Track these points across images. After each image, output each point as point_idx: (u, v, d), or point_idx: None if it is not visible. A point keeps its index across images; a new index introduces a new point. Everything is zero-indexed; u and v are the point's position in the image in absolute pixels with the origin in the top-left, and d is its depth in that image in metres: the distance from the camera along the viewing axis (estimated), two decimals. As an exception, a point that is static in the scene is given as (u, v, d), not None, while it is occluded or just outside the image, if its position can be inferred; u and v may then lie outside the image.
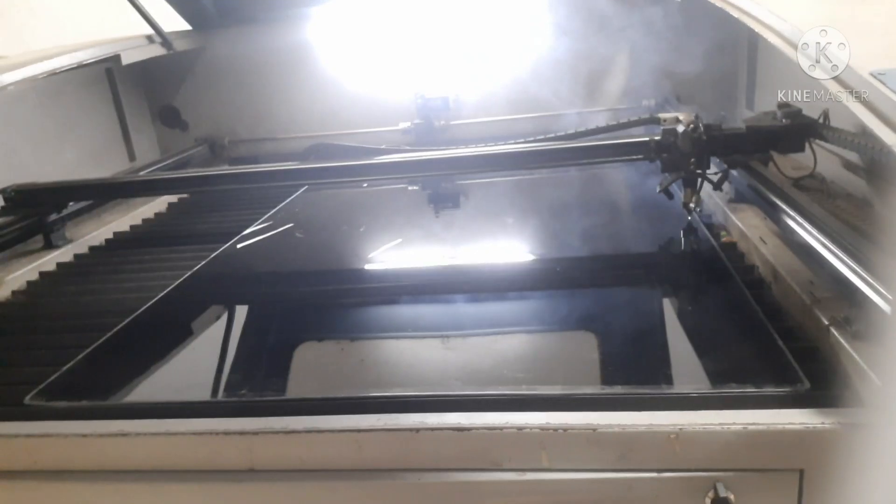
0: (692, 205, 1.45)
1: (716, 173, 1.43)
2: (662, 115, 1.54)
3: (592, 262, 1.53)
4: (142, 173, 2.22)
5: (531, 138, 1.64)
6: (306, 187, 2.18)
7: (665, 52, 2.14)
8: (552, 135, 1.60)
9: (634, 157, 1.47)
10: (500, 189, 2.04)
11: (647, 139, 1.43)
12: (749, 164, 1.46)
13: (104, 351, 1.25)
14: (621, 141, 1.51)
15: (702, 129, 1.36)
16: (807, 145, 1.32)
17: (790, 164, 1.47)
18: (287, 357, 1.28)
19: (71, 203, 1.86)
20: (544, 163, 1.56)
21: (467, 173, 1.67)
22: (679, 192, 1.48)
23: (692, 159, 1.38)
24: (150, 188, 1.98)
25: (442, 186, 2.07)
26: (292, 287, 1.66)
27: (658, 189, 1.45)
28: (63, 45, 2.04)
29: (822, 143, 1.29)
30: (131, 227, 2.04)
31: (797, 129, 1.29)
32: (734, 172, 1.49)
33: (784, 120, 1.31)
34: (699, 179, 1.42)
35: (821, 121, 1.24)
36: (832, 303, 1.02)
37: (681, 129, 1.38)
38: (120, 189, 1.96)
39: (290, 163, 1.84)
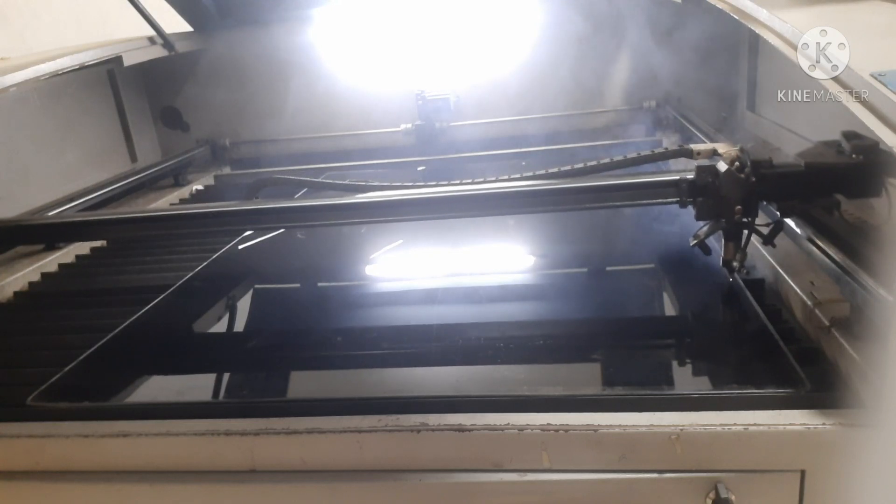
0: (735, 263, 1.14)
1: (768, 224, 1.13)
2: (695, 147, 1.25)
3: (593, 262, 1.53)
4: (103, 191, 2.08)
5: (530, 173, 1.34)
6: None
7: (666, 53, 2.15)
8: (555, 169, 1.32)
9: (660, 200, 1.17)
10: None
11: (676, 178, 1.14)
12: (809, 213, 1.13)
13: (106, 352, 1.25)
14: (643, 179, 1.20)
15: (749, 167, 1.07)
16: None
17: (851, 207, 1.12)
18: (288, 358, 1.28)
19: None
20: (546, 206, 1.27)
21: (456, 216, 1.34)
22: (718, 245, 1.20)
23: (737, 206, 1.08)
24: (57, 233, 1.61)
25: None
26: (294, 287, 1.67)
27: (692, 242, 1.16)
28: (65, 47, 2.04)
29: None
30: (133, 228, 2.04)
31: (873, 168, 0.96)
32: (790, 223, 1.17)
33: (854, 155, 0.99)
34: (745, 232, 1.12)
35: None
36: (833, 304, 1.02)
37: (722, 166, 1.09)
38: (28, 232, 1.56)
39: (235, 203, 1.46)
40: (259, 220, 1.37)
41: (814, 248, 1.07)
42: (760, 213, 1.11)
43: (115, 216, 1.65)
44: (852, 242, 0.99)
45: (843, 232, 1.03)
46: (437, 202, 1.28)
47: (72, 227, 1.53)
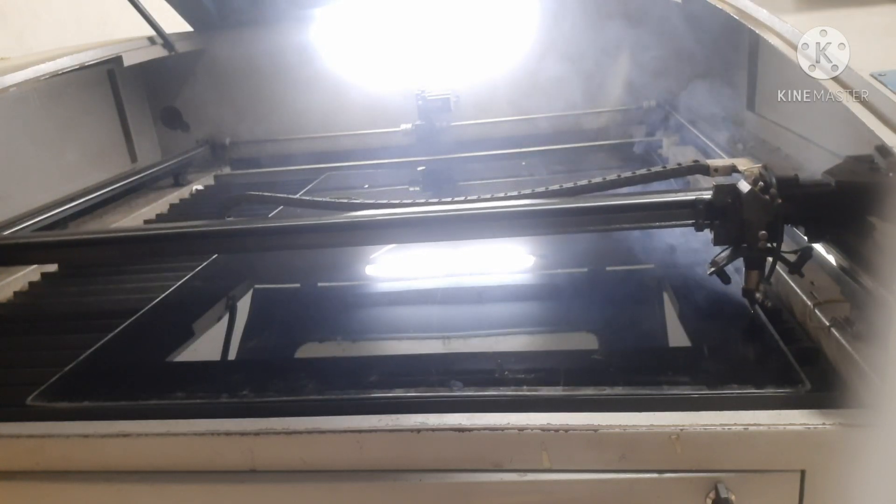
0: (759, 295, 1.03)
1: (795, 251, 1.01)
2: (712, 163, 1.13)
3: (593, 261, 1.53)
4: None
5: (529, 191, 1.22)
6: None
7: (665, 53, 2.15)
8: (557, 187, 1.21)
9: (674, 222, 1.07)
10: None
11: (692, 198, 1.03)
12: (842, 238, 1.00)
13: (106, 352, 1.25)
14: (655, 199, 1.08)
15: (775, 186, 0.96)
16: None
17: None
18: (288, 358, 1.28)
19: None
20: (550, 228, 1.17)
21: (449, 239, 1.25)
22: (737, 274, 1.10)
23: (761, 231, 0.97)
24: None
25: (444, 188, 2.07)
26: (294, 287, 1.66)
27: (709, 270, 1.05)
28: (65, 47, 2.04)
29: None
30: (133, 228, 2.04)
31: None
32: (820, 249, 1.05)
33: (891, 173, 0.84)
34: (769, 259, 1.00)
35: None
36: (833, 304, 1.01)
37: (744, 186, 0.97)
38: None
39: (204, 223, 1.39)
40: (230, 241, 1.31)
41: (814, 248, 1.07)
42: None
43: (70, 237, 1.55)
44: (852, 242, 0.99)
45: (843, 232, 1.03)
46: (429, 223, 1.17)
47: (23, 250, 1.43)
